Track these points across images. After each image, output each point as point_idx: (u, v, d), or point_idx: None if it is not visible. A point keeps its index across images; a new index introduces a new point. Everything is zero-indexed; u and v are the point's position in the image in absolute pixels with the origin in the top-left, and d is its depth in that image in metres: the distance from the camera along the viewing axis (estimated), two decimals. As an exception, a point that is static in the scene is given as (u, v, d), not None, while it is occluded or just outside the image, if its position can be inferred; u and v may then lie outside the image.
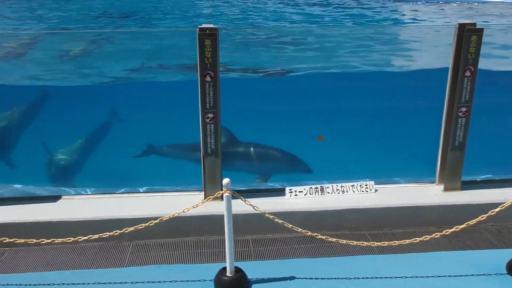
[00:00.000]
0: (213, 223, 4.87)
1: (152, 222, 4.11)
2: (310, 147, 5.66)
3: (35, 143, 6.20)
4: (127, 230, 4.10)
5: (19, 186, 5.61)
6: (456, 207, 5.10)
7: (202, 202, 4.11)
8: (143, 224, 4.10)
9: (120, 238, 4.81)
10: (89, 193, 5.36)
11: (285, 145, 5.91)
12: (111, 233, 4.06)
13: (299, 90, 5.74)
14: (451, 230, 4.13)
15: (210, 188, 5.02)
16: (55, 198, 5.16)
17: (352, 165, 5.65)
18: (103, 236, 4.10)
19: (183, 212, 4.13)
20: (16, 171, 5.94)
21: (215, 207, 4.83)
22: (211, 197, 4.12)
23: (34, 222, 4.73)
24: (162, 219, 4.10)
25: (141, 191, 5.47)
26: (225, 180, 3.91)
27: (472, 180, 5.56)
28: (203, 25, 4.59)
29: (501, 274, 4.27)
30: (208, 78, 4.63)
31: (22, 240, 4.03)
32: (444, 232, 4.14)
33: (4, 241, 4.04)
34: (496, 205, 5.02)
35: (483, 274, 4.27)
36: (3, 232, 4.43)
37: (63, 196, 5.20)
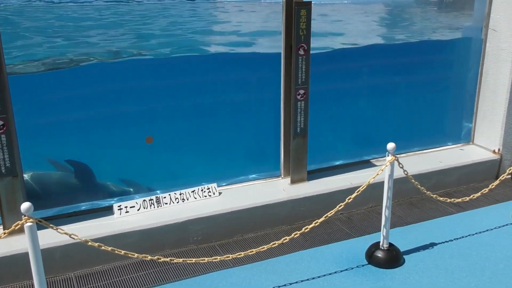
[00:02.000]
0: (20, 264, 3.69)
1: None
2: (136, 154, 4.75)
3: None
4: None
5: None
6: (305, 200, 4.71)
7: (-7, 241, 2.96)
8: None
9: None
10: None
11: (107, 157, 4.86)
12: None
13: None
14: (310, 226, 3.65)
15: (11, 218, 3.81)
16: None
17: (188, 170, 4.90)
18: None
19: (-34, 259, 2.93)
20: None
21: (21, 243, 3.68)
22: (6, 232, 2.99)
23: None
24: None
25: None
26: (24, 205, 2.85)
27: (316, 169, 5.26)
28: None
29: (363, 265, 3.95)
30: (-12, 73, 3.45)
31: None
32: (303, 229, 3.64)
33: None
34: (344, 191, 4.80)
35: (346, 269, 3.89)
36: None
37: None
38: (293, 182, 4.90)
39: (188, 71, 4.88)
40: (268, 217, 4.56)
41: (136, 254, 3.24)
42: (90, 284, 3.76)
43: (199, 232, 4.27)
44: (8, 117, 3.63)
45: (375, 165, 5.45)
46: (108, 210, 4.26)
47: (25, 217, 2.86)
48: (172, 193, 4.42)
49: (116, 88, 4.65)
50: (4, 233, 2.98)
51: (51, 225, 3.03)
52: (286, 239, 3.59)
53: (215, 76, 4.95)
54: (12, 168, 3.73)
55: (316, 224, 3.66)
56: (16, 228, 2.92)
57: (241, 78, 5.11)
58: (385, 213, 3.89)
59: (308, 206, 4.71)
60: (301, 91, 4.72)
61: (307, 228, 3.64)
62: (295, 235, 3.61)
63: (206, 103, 4.88)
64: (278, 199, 4.60)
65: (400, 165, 3.92)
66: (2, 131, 3.62)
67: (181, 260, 3.36)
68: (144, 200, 4.30)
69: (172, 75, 4.82)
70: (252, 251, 3.54)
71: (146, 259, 3.26)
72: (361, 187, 3.81)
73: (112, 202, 4.40)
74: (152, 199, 4.34)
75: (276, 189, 4.78)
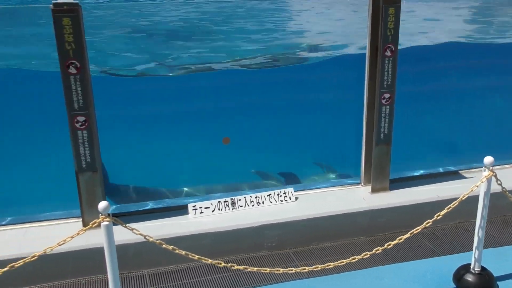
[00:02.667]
0: (96, 258, 3.73)
1: (-1, 272, 2.89)
2: (211, 152, 4.70)
3: None
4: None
5: None
6: (387, 211, 4.42)
7: (72, 238, 2.97)
8: (-14, 276, 2.87)
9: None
10: None
11: (182, 151, 4.89)
12: None
13: (187, 88, 4.74)
14: (394, 242, 3.38)
15: (90, 213, 3.86)
16: None
17: (264, 171, 4.77)
18: None
19: (45, 252, 2.95)
20: None
21: (93, 238, 3.70)
22: (84, 229, 2.99)
23: None
24: (13, 266, 2.90)
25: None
26: (102, 204, 2.83)
27: (398, 178, 4.93)
28: (59, 0, 3.45)
29: (450, 288, 3.61)
30: (72, 70, 3.48)
31: None
32: (386, 245, 3.37)
33: None
34: (429, 204, 4.46)
35: (431, 291, 3.58)
36: None
37: None
38: (374, 191, 4.62)
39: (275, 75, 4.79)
40: (346, 227, 4.32)
41: (209, 260, 3.14)
42: (163, 284, 3.73)
43: (275, 238, 4.12)
44: (89, 113, 3.66)
45: (464, 177, 5.02)
46: (183, 209, 4.22)
47: (102, 216, 2.84)
48: (247, 196, 4.30)
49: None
50: (83, 230, 2.98)
51: (126, 225, 3.00)
52: (367, 254, 3.34)
53: (303, 79, 4.81)
54: (92, 164, 3.77)
55: (400, 241, 3.38)
56: (94, 226, 2.91)
57: (328, 81, 4.92)
58: (478, 233, 3.53)
59: (390, 217, 4.41)
60: (386, 95, 4.43)
61: (390, 245, 3.37)
62: (376, 251, 3.35)
63: (285, 104, 4.73)
64: (358, 208, 4.34)
65: (498, 182, 3.54)
66: (83, 127, 3.66)
67: (255, 269, 3.21)
68: (219, 202, 4.22)
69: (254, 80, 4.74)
70: (330, 265, 3.32)
71: (220, 265, 3.15)
72: (452, 204, 3.47)
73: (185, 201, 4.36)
74: (227, 201, 4.24)
75: (355, 198, 4.52)
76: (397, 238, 3.39)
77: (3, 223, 4.05)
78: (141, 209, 4.36)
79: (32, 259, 2.91)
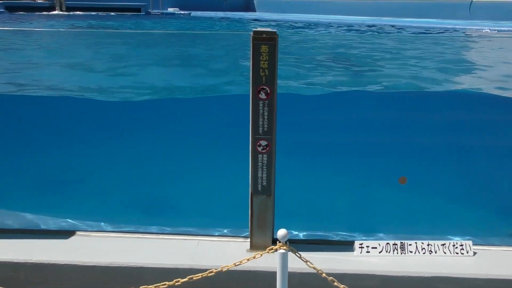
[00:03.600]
0: (258, 280, 3.77)
1: (179, 281, 3.05)
2: (383, 192, 4.49)
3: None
4: (145, 288, 3.07)
5: (29, 215, 4.68)
6: None
7: (248, 260, 3.02)
8: (167, 283, 3.05)
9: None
10: (108, 229, 4.36)
11: (348, 186, 4.78)
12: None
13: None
14: None
15: (259, 236, 3.94)
16: (67, 233, 4.22)
17: (440, 217, 4.42)
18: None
19: (221, 270, 3.05)
20: (32, 196, 4.99)
21: (262, 261, 3.72)
22: (260, 253, 3.02)
23: (35, 263, 3.78)
24: (192, 278, 3.04)
25: (170, 231, 4.40)
26: (282, 232, 2.84)
27: None
28: (259, 28, 3.61)
29: None
30: (262, 95, 3.60)
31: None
32: None
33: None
34: None
35: None
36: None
37: (78, 232, 4.24)
38: None
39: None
40: (533, 295, 3.78)
41: (381, 307, 2.95)
42: (322, 320, 3.60)
43: (446, 293, 3.76)
44: (272, 138, 3.74)
45: None
46: (349, 245, 4.07)
47: (280, 243, 2.84)
48: (419, 242, 4.01)
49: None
50: (259, 254, 3.02)
51: (300, 254, 2.97)
52: None
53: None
54: (267, 187, 3.84)
55: None
56: (270, 252, 2.93)
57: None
58: None
59: None
60: None
61: None
62: None
63: (468, 146, 4.37)
64: (551, 276, 3.77)
65: None
66: (265, 151, 3.75)
67: (430, 326, 2.94)
68: (387, 243, 3.99)
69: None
70: None
71: (392, 315, 2.95)
72: None
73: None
74: (396, 244, 4.00)
75: (548, 263, 3.94)
76: None
77: (180, 232, 4.32)
78: (305, 238, 4.32)
79: (208, 274, 3.03)
